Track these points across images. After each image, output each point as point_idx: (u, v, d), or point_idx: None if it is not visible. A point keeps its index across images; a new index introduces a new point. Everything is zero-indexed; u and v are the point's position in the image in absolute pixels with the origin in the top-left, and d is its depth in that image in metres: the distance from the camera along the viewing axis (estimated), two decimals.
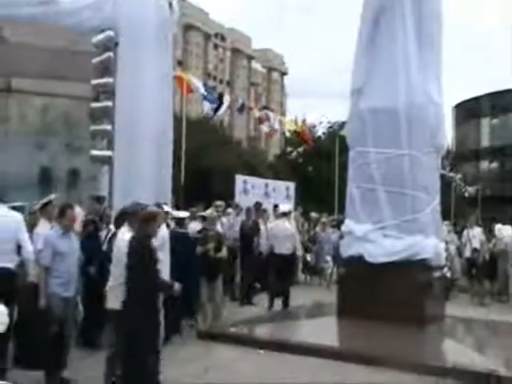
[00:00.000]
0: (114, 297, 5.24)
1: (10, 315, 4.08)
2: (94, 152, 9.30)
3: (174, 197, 10.47)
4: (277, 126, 18.96)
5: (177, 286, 5.42)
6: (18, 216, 5.96)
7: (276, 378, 6.16)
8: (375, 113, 8.96)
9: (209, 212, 9.77)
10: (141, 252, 5.12)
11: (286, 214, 10.52)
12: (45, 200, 6.55)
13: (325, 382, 6.10)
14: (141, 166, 9.60)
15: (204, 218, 9.22)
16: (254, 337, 7.72)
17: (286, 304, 10.06)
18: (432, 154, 9.08)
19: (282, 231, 10.11)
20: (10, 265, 5.68)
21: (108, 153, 9.30)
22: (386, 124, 8.84)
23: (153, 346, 5.10)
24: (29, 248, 5.82)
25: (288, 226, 10.36)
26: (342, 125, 29.79)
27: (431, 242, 8.69)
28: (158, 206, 7.62)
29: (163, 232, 7.11)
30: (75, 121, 10.73)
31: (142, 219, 5.25)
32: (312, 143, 23.18)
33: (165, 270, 6.81)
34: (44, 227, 6.35)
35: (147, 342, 5.03)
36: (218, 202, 11.15)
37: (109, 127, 9.26)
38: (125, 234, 5.41)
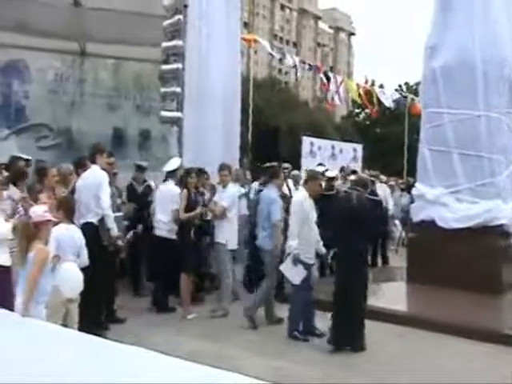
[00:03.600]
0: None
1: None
2: (164, 113, 9.41)
3: (241, 157, 10.52)
4: (341, 91, 18.47)
5: None
6: (100, 175, 6.20)
7: None
8: (449, 71, 8.56)
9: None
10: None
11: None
12: (174, 165, 7.37)
13: (391, 347, 6.06)
14: (209, 127, 9.69)
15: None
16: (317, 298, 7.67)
17: (385, 261, 11.10)
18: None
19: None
20: (94, 220, 6.04)
21: (177, 114, 9.40)
22: (461, 83, 8.43)
23: (363, 294, 5.93)
24: (104, 205, 6.09)
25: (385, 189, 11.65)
26: (415, 86, 28.65)
27: (509, 207, 8.33)
28: (225, 166, 7.74)
29: (232, 191, 7.32)
30: (146, 83, 10.92)
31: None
32: (375, 113, 22.50)
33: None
34: (168, 187, 7.26)
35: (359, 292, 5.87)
36: (285, 164, 11.07)
37: (178, 89, 9.32)
38: (305, 194, 6.41)
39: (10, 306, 3.88)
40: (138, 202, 8.02)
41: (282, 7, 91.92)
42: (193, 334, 6.21)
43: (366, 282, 6.04)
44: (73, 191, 6.34)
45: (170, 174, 7.41)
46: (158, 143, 10.71)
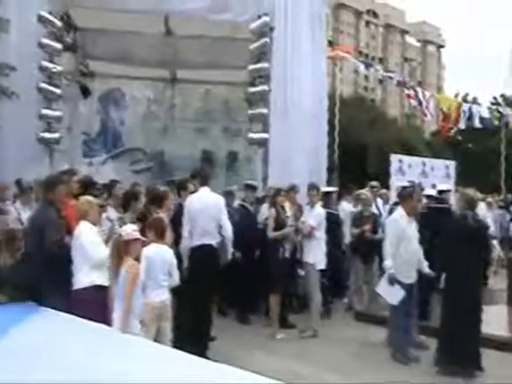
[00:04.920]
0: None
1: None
2: (251, 135, 9.58)
3: (329, 176, 10.46)
4: (431, 105, 17.88)
5: None
6: (218, 198, 6.33)
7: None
8: None
9: (364, 193, 9.56)
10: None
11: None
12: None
13: (495, 374, 5.68)
14: (296, 147, 9.73)
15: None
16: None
17: (485, 283, 10.52)
18: None
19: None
20: (213, 242, 6.10)
21: (264, 135, 9.52)
22: None
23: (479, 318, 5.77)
24: (228, 228, 6.18)
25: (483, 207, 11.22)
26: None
27: None
28: (314, 186, 7.70)
29: (320, 210, 7.27)
30: (233, 106, 11.24)
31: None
32: (446, 134, 21.64)
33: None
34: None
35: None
36: (373, 183, 10.84)
37: (265, 110, 9.46)
38: (401, 213, 6.25)
39: (110, 323, 4.08)
40: (254, 220, 8.03)
41: (367, 23, 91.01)
42: (282, 354, 6.18)
43: (481, 305, 5.82)
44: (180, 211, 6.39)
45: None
46: (246, 165, 10.92)
